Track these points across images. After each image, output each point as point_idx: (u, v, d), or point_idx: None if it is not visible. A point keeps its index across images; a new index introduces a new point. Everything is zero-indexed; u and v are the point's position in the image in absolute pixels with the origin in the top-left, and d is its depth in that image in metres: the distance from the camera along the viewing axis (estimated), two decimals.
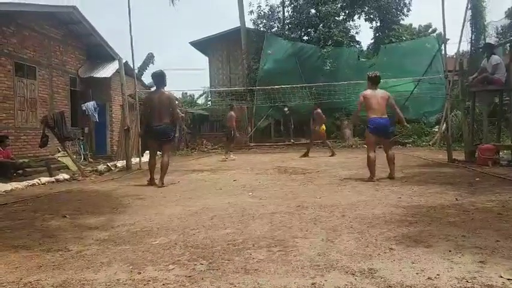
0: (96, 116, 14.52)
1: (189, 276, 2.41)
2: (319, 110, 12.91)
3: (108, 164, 10.64)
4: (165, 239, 3.31)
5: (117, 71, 13.03)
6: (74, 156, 10.68)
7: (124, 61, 12.17)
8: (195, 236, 3.39)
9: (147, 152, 14.65)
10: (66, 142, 9.98)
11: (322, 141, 14.24)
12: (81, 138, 14.11)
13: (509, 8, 18.47)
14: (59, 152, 11.25)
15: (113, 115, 16.00)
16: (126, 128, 10.51)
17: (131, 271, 2.55)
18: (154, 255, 2.89)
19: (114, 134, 15.85)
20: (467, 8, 10.42)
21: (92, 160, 13.47)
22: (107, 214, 4.53)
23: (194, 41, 25.08)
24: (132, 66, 11.69)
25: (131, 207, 4.97)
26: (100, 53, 15.58)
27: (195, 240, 3.23)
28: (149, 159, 7.29)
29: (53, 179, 8.13)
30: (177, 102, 7.23)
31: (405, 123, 7.52)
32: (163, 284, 2.31)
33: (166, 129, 6.85)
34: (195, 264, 2.63)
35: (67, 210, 4.81)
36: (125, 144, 11.02)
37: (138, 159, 10.97)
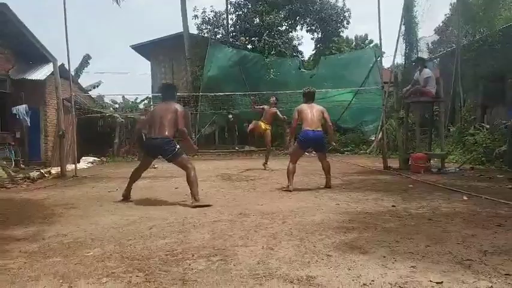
0: (28, 120, 13.69)
1: None
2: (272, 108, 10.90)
3: (42, 170, 10.05)
4: (100, 250, 3.16)
5: (52, 74, 12.38)
6: (4, 163, 9.99)
7: (60, 63, 11.60)
8: (132, 246, 3.26)
9: (84, 158, 14.11)
10: None
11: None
12: (12, 143, 13.24)
13: (437, 26, 19.82)
14: None
15: (48, 119, 15.16)
16: (60, 133, 9.99)
17: (61, 285, 2.41)
18: (87, 267, 2.74)
19: (48, 139, 15.03)
20: (401, 23, 11.02)
21: (24, 166, 12.66)
22: (38, 224, 4.26)
23: (136, 44, 24.45)
24: (68, 68, 11.14)
25: (64, 216, 4.70)
26: (34, 54, 14.73)
27: (132, 251, 3.11)
28: (134, 170, 6.10)
29: None
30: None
31: (333, 142, 7.24)
32: None
33: (162, 143, 5.62)
34: (131, 277, 2.52)
35: None
36: (59, 150, 10.46)
37: (73, 165, 10.46)
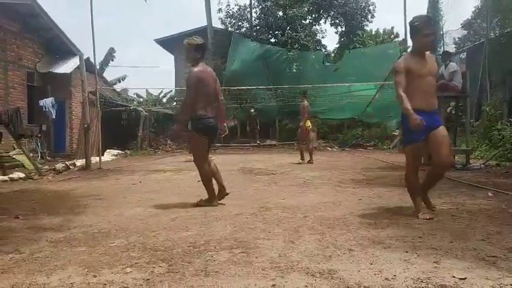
0: (54, 112, 14.01)
1: (147, 280, 2.35)
2: (304, 102, 11.09)
3: (67, 162, 10.30)
4: (124, 241, 3.22)
5: (78, 67, 12.64)
6: (31, 154, 10.27)
7: (85, 57, 11.83)
8: (155, 238, 3.32)
9: (108, 151, 14.38)
10: (21, 139, 9.58)
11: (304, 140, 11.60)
12: (39, 135, 13.59)
13: (464, 20, 19.30)
14: (14, 149, 10.80)
15: (73, 112, 15.54)
16: (86, 125, 10.21)
17: (86, 274, 2.47)
18: (112, 257, 2.80)
19: (73, 131, 15.39)
20: None
21: (49, 158, 13.01)
22: (63, 215, 4.37)
23: (160, 38, 24.75)
24: (93, 62, 11.37)
25: (89, 207, 4.81)
26: (60, 47, 15.09)
27: (155, 243, 3.16)
28: (205, 167, 4.85)
29: (6, 177, 7.78)
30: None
31: None
32: None
33: (217, 122, 4.91)
34: (154, 267, 2.57)
35: (20, 211, 4.61)
36: (84, 142, 10.69)
37: (98, 158, 10.68)
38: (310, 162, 10.81)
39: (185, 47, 4.97)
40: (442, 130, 3.90)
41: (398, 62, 4.06)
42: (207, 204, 4.77)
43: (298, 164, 10.67)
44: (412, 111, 3.73)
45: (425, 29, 3.90)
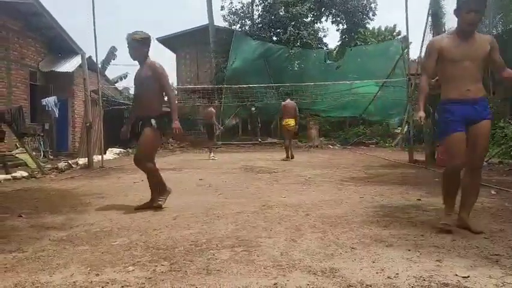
0: (57, 111, 14.05)
1: (149, 278, 2.36)
2: (283, 102, 11.69)
3: (69, 161, 10.31)
4: (126, 240, 3.23)
5: (80, 66, 12.65)
6: (33, 153, 10.28)
7: (87, 56, 11.85)
8: (157, 236, 3.32)
9: (110, 149, 14.41)
10: (24, 138, 9.60)
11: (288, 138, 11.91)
12: (41, 134, 13.61)
13: None
14: (17, 148, 10.82)
15: (75, 111, 15.56)
16: (88, 124, 10.22)
17: (89, 273, 2.47)
18: (114, 256, 2.80)
19: (76, 130, 15.42)
20: (428, 14, 10.79)
21: (52, 157, 13.03)
22: (66, 213, 4.38)
23: (161, 37, 24.72)
24: (95, 60, 11.38)
25: (91, 206, 4.82)
26: (62, 46, 15.10)
27: (157, 241, 3.17)
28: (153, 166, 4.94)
29: (9, 176, 7.78)
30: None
31: None
32: (122, 286, 2.25)
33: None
34: (156, 266, 2.57)
35: (23, 209, 4.61)
36: (86, 141, 10.70)
37: (100, 156, 10.69)
38: (286, 159, 11.38)
39: (130, 42, 4.52)
40: (482, 126, 3.25)
41: (433, 40, 3.51)
42: (164, 198, 4.65)
43: (283, 160, 11.28)
44: (421, 107, 3.36)
45: (471, 4, 3.22)
